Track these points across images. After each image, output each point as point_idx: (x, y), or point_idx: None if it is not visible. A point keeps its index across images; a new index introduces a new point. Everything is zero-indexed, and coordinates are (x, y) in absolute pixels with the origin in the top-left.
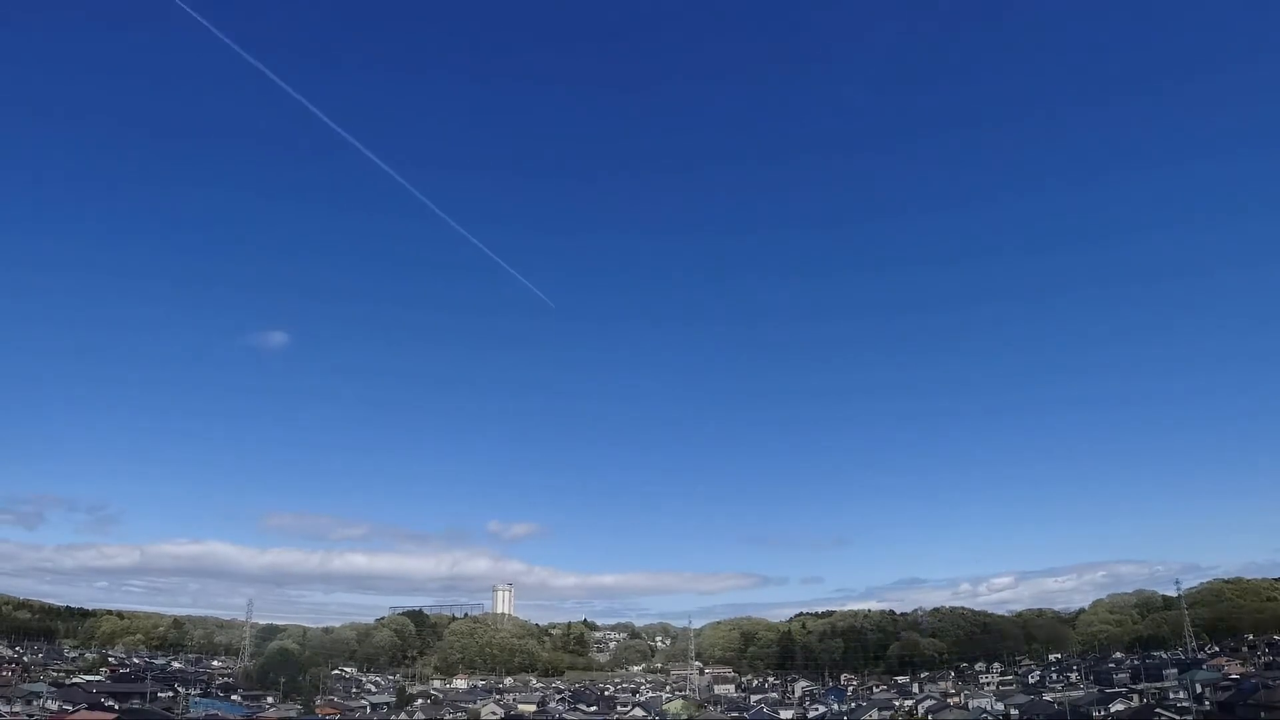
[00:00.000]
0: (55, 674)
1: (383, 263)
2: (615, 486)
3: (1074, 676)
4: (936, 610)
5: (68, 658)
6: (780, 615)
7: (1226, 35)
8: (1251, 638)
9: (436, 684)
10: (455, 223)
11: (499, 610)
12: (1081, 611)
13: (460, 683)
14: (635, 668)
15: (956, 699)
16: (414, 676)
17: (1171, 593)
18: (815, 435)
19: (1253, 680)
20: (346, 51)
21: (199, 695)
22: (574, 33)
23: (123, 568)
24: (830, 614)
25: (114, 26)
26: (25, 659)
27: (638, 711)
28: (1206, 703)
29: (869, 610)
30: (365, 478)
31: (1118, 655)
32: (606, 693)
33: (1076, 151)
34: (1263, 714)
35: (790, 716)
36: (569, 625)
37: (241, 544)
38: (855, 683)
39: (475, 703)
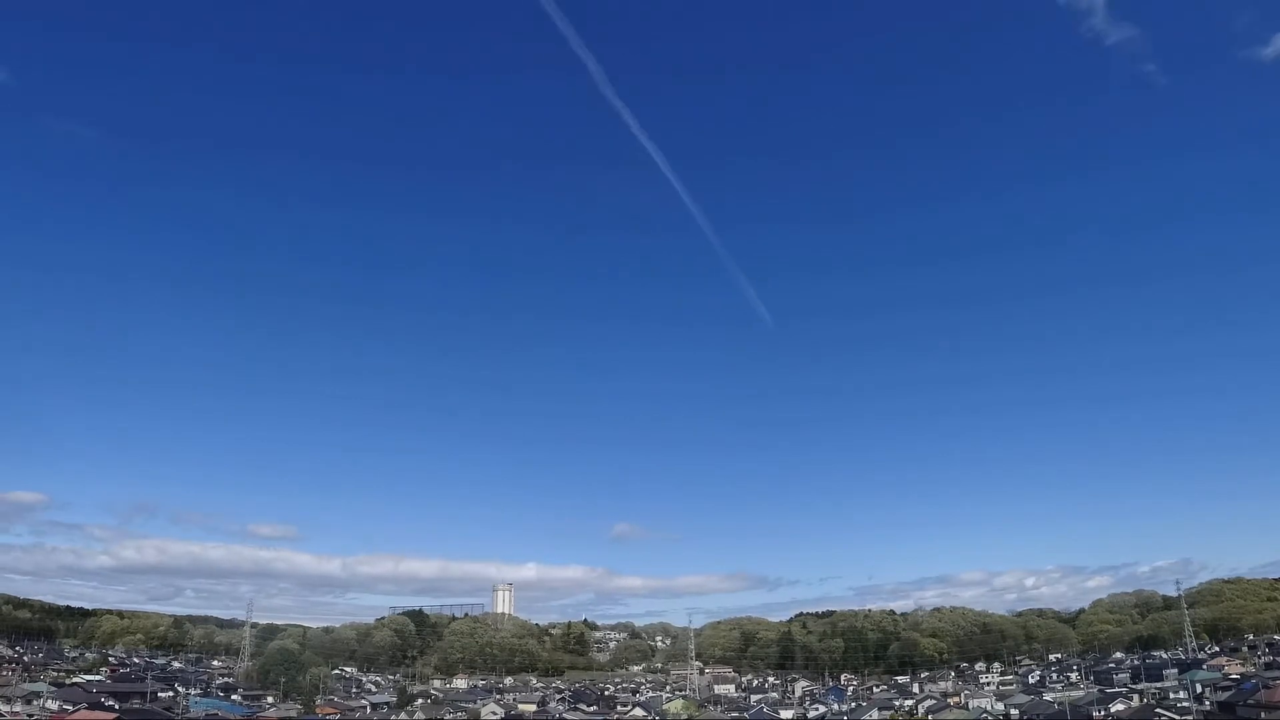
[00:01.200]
0: (55, 674)
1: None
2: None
3: (1074, 676)
4: (937, 610)
5: (68, 658)
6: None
7: (1222, 30)
8: (1251, 638)
9: (436, 684)
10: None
11: (499, 610)
12: (1081, 611)
13: (460, 683)
14: (635, 668)
15: (956, 699)
16: (414, 676)
17: (1172, 593)
18: (820, 434)
19: (1253, 680)
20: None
21: (199, 695)
22: (568, 27)
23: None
24: (830, 614)
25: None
26: (25, 659)
27: (638, 711)
28: (1206, 703)
29: (869, 610)
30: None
31: (1118, 655)
32: (606, 693)
33: (1082, 148)
34: (1263, 714)
35: (790, 716)
36: (569, 625)
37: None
38: (855, 683)
39: (475, 703)
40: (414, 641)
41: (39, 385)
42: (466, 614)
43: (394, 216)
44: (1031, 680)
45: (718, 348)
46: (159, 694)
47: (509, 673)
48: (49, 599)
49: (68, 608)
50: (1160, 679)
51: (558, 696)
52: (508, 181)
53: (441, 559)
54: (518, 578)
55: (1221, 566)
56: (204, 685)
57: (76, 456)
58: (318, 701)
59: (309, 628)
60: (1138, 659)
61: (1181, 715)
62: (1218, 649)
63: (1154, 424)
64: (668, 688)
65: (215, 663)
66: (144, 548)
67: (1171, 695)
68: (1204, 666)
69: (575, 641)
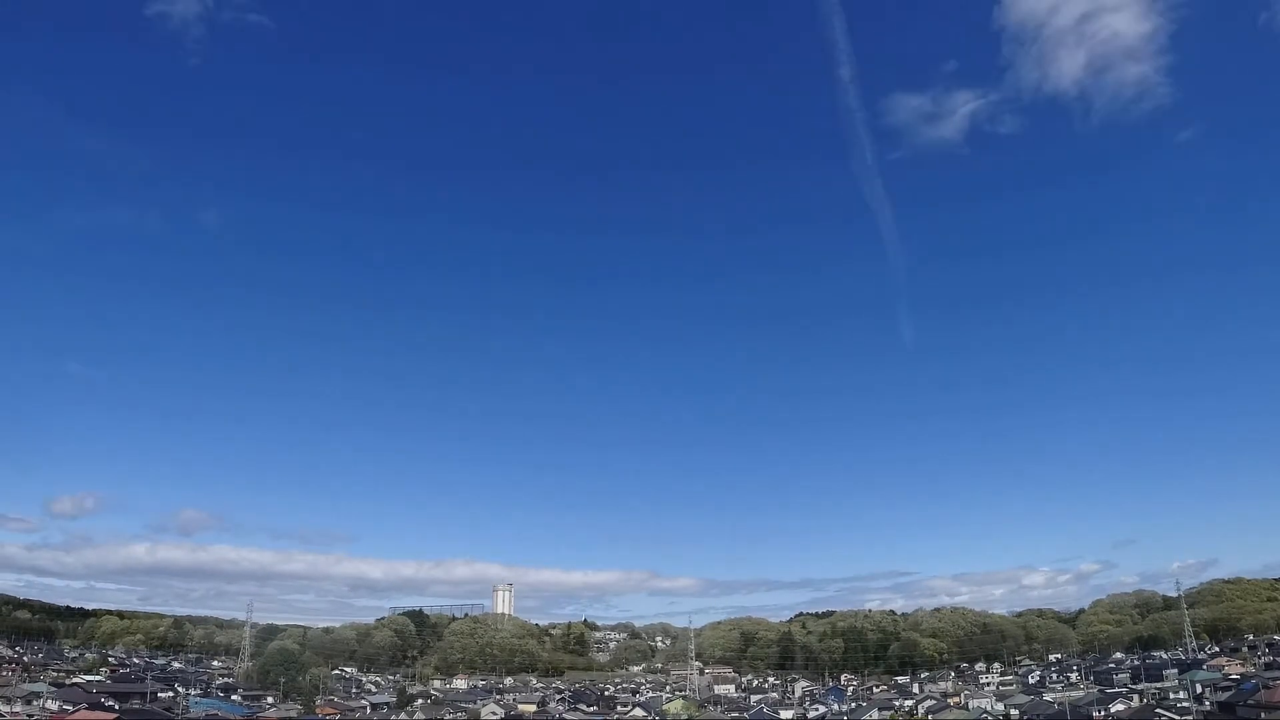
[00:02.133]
0: (55, 674)
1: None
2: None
3: (1074, 676)
4: (937, 610)
5: (68, 658)
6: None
7: (1220, 32)
8: (1251, 638)
9: (436, 684)
10: None
11: (499, 610)
12: (1081, 611)
13: (460, 683)
14: (635, 668)
15: (956, 699)
16: (414, 676)
17: (1171, 593)
18: (824, 434)
19: (1253, 680)
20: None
21: (199, 695)
22: (570, 26)
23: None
24: (830, 614)
25: None
26: (25, 659)
27: (638, 711)
28: (1206, 703)
29: (869, 610)
30: None
31: (1118, 655)
32: (606, 693)
33: (1088, 147)
34: (1263, 714)
35: (790, 716)
36: (569, 625)
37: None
38: (855, 683)
39: (475, 703)
40: (414, 642)
41: (94, 393)
42: (466, 614)
43: (418, 219)
44: (1031, 680)
45: (724, 347)
46: (159, 694)
47: (509, 673)
48: (89, 604)
49: (67, 608)
50: (1160, 679)
51: (558, 697)
52: (509, 185)
53: (459, 562)
54: (568, 581)
55: (1249, 565)
56: (204, 685)
57: (121, 461)
58: (318, 702)
59: (309, 628)
60: (1138, 659)
61: (1181, 715)
62: (1218, 649)
63: (1179, 423)
64: (668, 688)
65: (215, 663)
66: (177, 551)
67: (1171, 695)
68: (1204, 667)
69: (575, 642)
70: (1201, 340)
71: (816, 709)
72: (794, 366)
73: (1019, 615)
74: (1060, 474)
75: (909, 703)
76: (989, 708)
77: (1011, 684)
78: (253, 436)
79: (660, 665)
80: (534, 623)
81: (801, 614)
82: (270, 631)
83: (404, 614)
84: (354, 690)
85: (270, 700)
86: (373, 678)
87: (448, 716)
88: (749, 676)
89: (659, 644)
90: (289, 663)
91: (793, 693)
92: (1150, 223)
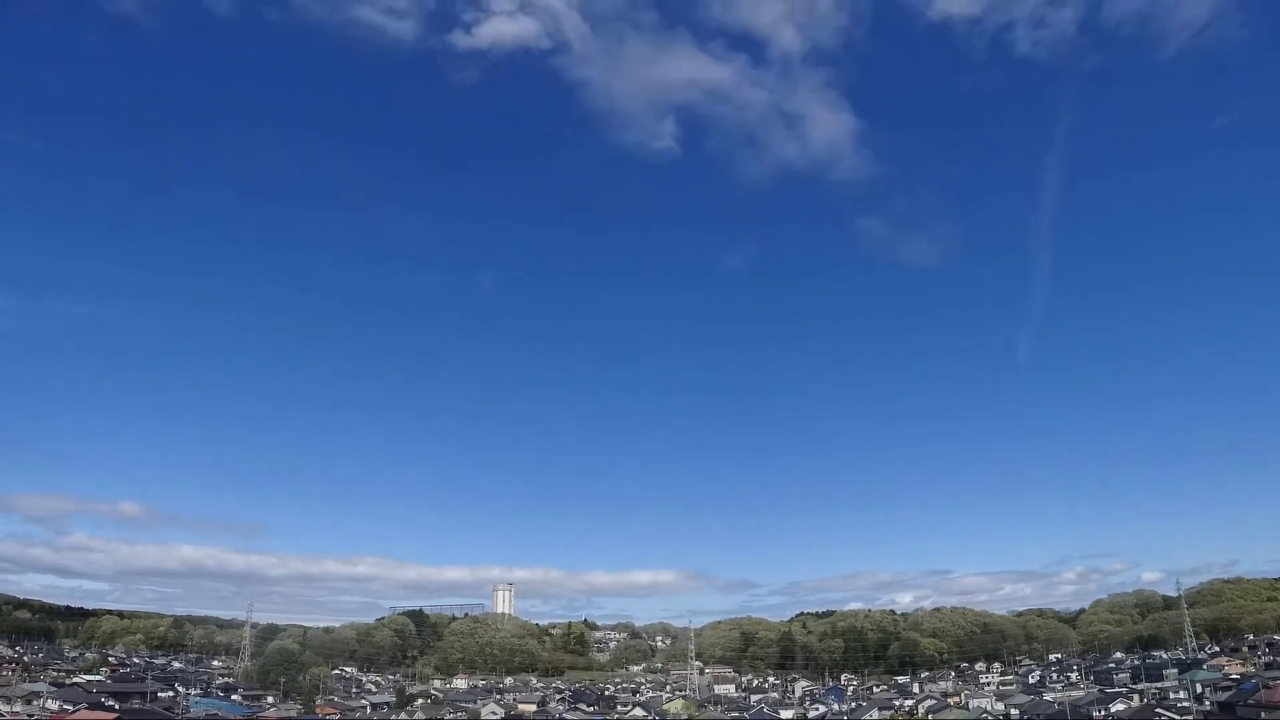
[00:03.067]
0: (55, 674)
1: None
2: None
3: (1074, 676)
4: (937, 610)
5: (68, 658)
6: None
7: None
8: (1251, 638)
9: (437, 684)
10: None
11: (499, 610)
12: (1081, 611)
13: (460, 683)
14: (635, 668)
15: (956, 699)
16: (414, 676)
17: (1172, 593)
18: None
19: (1253, 680)
20: None
21: (199, 695)
22: None
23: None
24: (830, 614)
25: None
26: (25, 659)
27: (638, 711)
28: (1206, 703)
29: (869, 610)
30: None
31: (1118, 655)
32: (607, 693)
33: (1092, 148)
34: (1263, 714)
35: (790, 716)
36: (569, 625)
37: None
38: (855, 683)
39: (475, 703)
40: (414, 642)
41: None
42: (466, 614)
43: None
44: (1031, 680)
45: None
46: (159, 694)
47: (509, 673)
48: (128, 606)
49: (67, 608)
50: (1160, 679)
51: (558, 696)
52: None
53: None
54: (628, 581)
55: (1268, 565)
56: (204, 685)
57: (164, 467)
58: (318, 701)
59: (309, 628)
60: (1138, 659)
61: (1181, 715)
62: (1218, 649)
63: (1204, 421)
64: (668, 688)
65: (215, 663)
66: (218, 554)
67: (1171, 695)
68: (1204, 666)
69: (575, 641)
70: (1245, 339)
71: (816, 709)
72: (838, 367)
73: (1019, 615)
74: (1092, 473)
75: (909, 702)
76: (989, 707)
77: (1011, 684)
78: (286, 446)
79: (660, 665)
80: (534, 623)
81: (802, 614)
82: (270, 631)
83: (404, 614)
84: (354, 690)
85: (270, 700)
86: (373, 677)
87: (448, 716)
88: (749, 676)
89: (659, 644)
90: (289, 662)
91: (793, 692)
92: (1150, 220)
